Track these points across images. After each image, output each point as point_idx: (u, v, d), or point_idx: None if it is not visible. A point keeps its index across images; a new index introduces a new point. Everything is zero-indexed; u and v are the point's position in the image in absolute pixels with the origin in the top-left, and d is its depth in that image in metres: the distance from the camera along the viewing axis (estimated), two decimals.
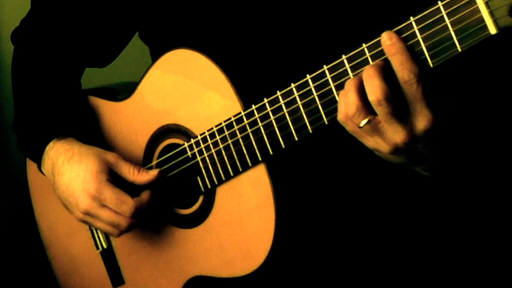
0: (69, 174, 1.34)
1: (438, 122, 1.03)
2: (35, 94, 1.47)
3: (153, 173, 1.32)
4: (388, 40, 1.02)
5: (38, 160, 1.43)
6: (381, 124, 1.04)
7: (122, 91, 1.46)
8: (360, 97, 1.04)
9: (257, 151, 1.22)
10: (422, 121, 1.03)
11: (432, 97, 1.02)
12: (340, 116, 1.07)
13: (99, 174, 1.31)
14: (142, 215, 1.32)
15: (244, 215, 1.26)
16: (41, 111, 1.44)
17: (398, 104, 1.02)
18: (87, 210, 1.32)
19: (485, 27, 0.96)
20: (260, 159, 1.22)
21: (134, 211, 1.29)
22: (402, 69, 1.01)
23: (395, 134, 1.04)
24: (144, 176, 1.32)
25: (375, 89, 1.02)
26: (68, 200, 1.35)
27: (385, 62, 1.04)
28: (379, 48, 1.05)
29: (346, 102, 1.05)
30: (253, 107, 1.21)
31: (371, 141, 1.08)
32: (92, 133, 1.44)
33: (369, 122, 1.04)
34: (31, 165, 1.54)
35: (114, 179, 1.33)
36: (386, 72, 1.03)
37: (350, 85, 1.05)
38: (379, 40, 1.05)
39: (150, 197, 1.32)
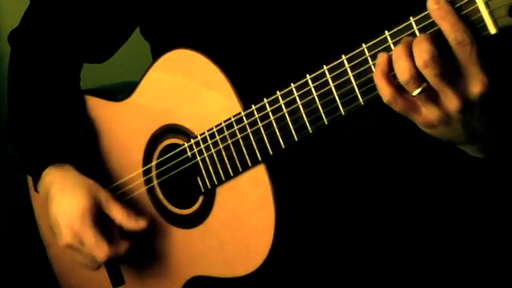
0: (59, 205, 1.36)
1: (494, 86, 0.99)
2: (31, 104, 1.47)
3: (141, 224, 1.34)
4: (434, 4, 0.98)
5: (34, 180, 1.44)
6: (433, 91, 1.00)
7: (122, 91, 1.46)
8: (412, 62, 0.99)
9: (257, 151, 1.22)
10: (477, 85, 0.98)
11: (485, 61, 0.98)
12: (387, 98, 1.02)
13: (86, 213, 1.33)
14: (117, 260, 1.37)
15: (244, 215, 1.26)
16: (38, 132, 1.44)
17: (448, 67, 0.98)
18: (69, 244, 1.35)
19: (484, 27, 0.96)
20: (260, 159, 1.22)
21: (106, 259, 1.33)
22: (455, 30, 0.96)
23: (448, 100, 1.00)
24: (131, 223, 1.34)
25: (422, 52, 0.97)
26: (54, 228, 1.38)
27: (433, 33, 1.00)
28: (379, 48, 1.05)
29: (398, 69, 1.00)
30: (253, 107, 1.21)
31: (423, 113, 1.02)
32: (91, 135, 1.44)
33: (423, 90, 0.99)
34: None
35: (101, 217, 1.35)
36: (436, 41, 0.99)
37: (398, 52, 1.00)
38: (379, 40, 1.04)
39: (126, 249, 1.35)
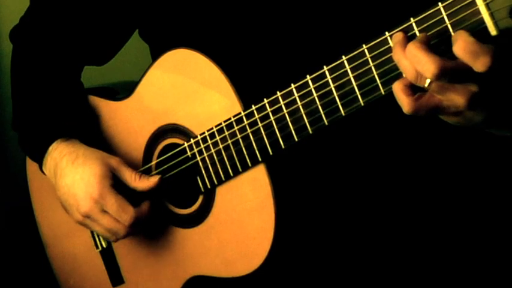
0: (72, 176, 1.34)
1: (498, 54, 0.94)
2: (36, 93, 1.47)
3: (154, 179, 1.33)
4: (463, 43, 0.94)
5: (40, 159, 1.43)
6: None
7: (122, 90, 1.46)
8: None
9: (257, 151, 1.22)
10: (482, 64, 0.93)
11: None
12: (407, 109, 1.00)
13: (103, 179, 1.32)
14: (140, 224, 1.33)
15: (244, 215, 1.26)
16: (44, 112, 1.44)
17: (453, 73, 0.96)
18: (88, 214, 1.32)
19: (485, 29, 0.95)
20: (260, 159, 1.22)
21: (133, 221, 1.31)
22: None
23: (465, 86, 0.98)
24: (144, 183, 1.33)
25: (425, 67, 0.95)
26: (68, 201, 1.36)
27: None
28: (380, 49, 1.05)
29: (403, 69, 0.99)
30: (253, 107, 1.21)
31: (445, 104, 0.99)
32: (93, 133, 1.44)
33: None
34: (31, 165, 1.54)
35: (117, 184, 1.33)
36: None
37: (398, 56, 0.99)
38: (380, 41, 1.04)
39: (149, 208, 1.34)
